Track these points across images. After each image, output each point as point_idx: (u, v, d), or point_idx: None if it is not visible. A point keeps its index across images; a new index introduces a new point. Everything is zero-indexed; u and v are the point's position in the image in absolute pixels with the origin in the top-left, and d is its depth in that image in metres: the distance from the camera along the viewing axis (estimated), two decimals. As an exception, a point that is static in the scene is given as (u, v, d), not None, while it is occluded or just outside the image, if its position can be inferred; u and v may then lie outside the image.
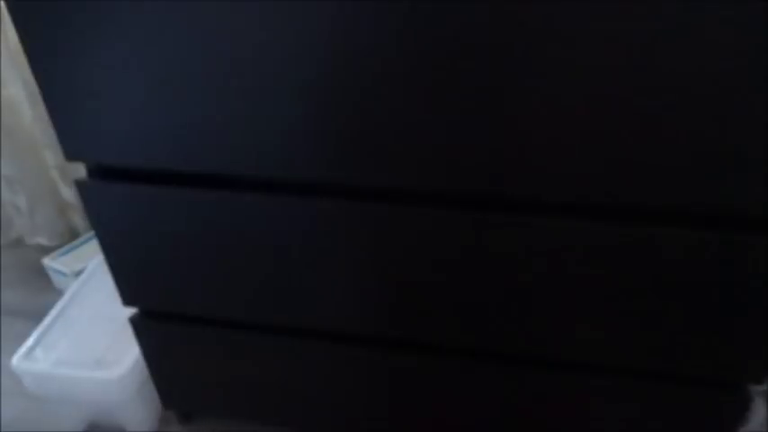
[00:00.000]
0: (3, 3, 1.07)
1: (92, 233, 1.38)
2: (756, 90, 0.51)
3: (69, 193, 1.39)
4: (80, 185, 0.72)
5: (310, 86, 0.59)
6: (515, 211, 0.63)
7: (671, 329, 0.67)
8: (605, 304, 0.67)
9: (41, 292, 1.35)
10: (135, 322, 0.88)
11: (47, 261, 1.33)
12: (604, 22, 0.50)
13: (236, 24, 0.56)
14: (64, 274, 1.29)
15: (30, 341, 0.97)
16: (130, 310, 0.88)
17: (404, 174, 0.62)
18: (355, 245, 0.70)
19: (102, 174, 0.72)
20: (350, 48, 0.56)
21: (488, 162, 0.60)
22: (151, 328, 0.88)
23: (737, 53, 0.49)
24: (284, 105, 0.60)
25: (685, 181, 0.57)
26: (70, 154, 0.70)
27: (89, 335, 1.07)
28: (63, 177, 1.37)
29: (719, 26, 0.48)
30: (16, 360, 0.94)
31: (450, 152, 0.60)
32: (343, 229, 0.69)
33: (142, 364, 0.94)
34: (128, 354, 0.95)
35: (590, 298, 0.67)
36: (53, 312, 1.04)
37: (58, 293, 1.30)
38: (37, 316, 1.10)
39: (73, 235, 1.45)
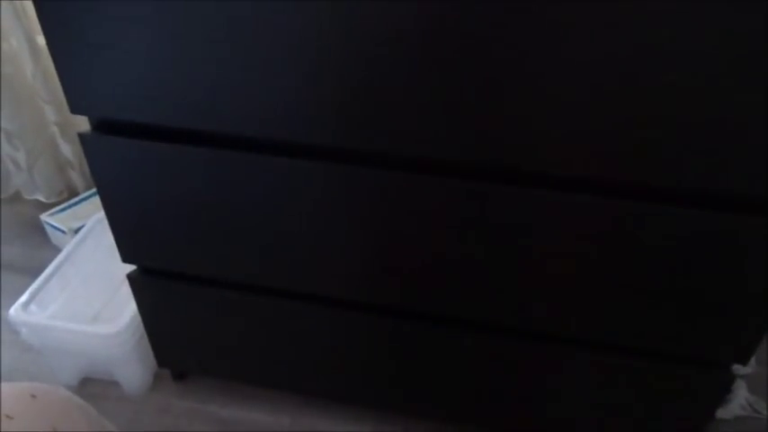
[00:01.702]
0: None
1: (90, 191, 1.38)
2: (759, 73, 0.51)
3: (69, 151, 1.39)
4: (83, 138, 0.72)
5: (321, 50, 0.59)
6: (516, 183, 0.64)
7: (658, 307, 0.68)
8: (598, 280, 0.68)
9: (38, 248, 1.35)
10: (133, 279, 0.88)
11: (45, 217, 1.33)
12: (617, 4, 0.50)
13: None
14: (62, 231, 1.29)
15: (26, 295, 0.98)
16: (127, 270, 0.89)
17: (409, 141, 0.63)
18: (358, 211, 0.71)
19: (105, 128, 0.72)
20: (363, 14, 0.55)
21: (494, 134, 0.60)
22: (149, 286, 0.89)
23: (741, 37, 0.50)
24: (292, 67, 0.60)
25: (684, 161, 0.58)
26: (75, 107, 0.70)
27: (85, 292, 1.09)
28: (63, 134, 1.37)
29: (726, 10, 0.49)
30: (14, 310, 0.95)
31: (459, 123, 0.60)
32: (346, 194, 0.69)
33: (138, 321, 0.95)
34: (124, 311, 0.96)
35: (582, 273, 0.68)
36: (50, 268, 1.05)
37: (55, 249, 1.31)
38: (33, 271, 1.11)
39: (71, 192, 1.46)
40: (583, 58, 0.54)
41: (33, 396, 0.40)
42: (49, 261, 1.07)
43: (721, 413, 0.97)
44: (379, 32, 0.56)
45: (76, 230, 1.25)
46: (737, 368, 0.76)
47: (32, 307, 0.98)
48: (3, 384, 0.41)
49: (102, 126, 0.73)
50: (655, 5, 0.50)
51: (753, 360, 1.01)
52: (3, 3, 1.19)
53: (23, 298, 0.98)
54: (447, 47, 0.56)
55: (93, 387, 1.06)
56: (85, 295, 1.08)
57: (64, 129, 1.36)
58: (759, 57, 0.50)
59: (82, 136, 0.72)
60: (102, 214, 1.14)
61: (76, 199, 1.37)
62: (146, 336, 0.96)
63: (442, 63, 0.57)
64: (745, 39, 0.50)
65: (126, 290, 0.92)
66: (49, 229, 1.34)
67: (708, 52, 0.51)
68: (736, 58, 0.51)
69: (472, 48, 0.55)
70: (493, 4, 0.52)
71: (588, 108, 0.56)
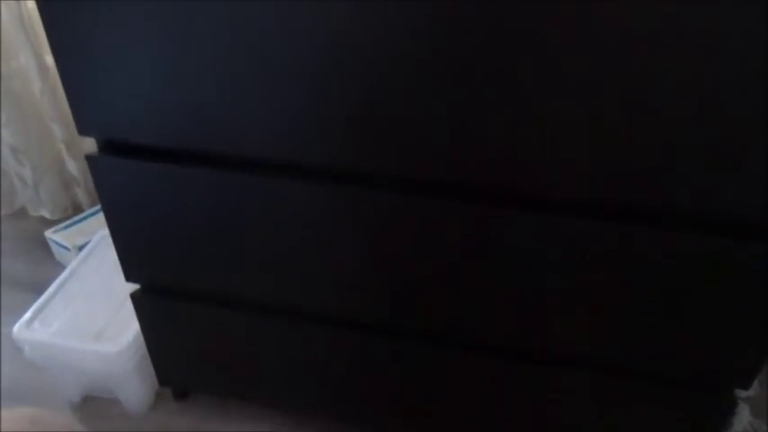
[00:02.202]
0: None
1: (95, 209, 1.39)
2: (759, 96, 0.52)
3: (75, 168, 1.40)
4: (90, 159, 0.73)
5: (323, 72, 0.59)
6: (516, 205, 0.64)
7: (662, 331, 0.68)
8: (599, 304, 0.68)
9: (42, 264, 1.36)
10: (136, 298, 0.89)
11: (49, 234, 1.34)
12: (617, 28, 0.51)
13: (251, 8, 0.57)
14: (66, 248, 1.30)
15: (29, 313, 0.99)
16: (130, 287, 0.89)
17: (409, 164, 0.63)
18: (358, 231, 0.71)
19: (112, 149, 0.73)
20: (364, 36, 0.56)
21: (495, 157, 0.61)
22: (151, 305, 0.89)
23: (741, 61, 0.50)
24: (295, 90, 0.61)
25: (684, 185, 0.58)
26: (83, 129, 0.71)
27: (89, 309, 1.09)
28: (69, 151, 1.38)
29: (726, 34, 0.49)
30: (18, 328, 0.95)
31: (462, 145, 0.61)
32: (347, 214, 0.70)
33: (141, 340, 0.95)
34: (127, 329, 0.96)
35: (585, 296, 0.68)
36: (54, 286, 1.05)
37: (59, 266, 1.32)
38: (36, 287, 1.12)
39: (76, 209, 1.47)
40: (583, 82, 0.54)
41: (33, 422, 0.40)
42: (53, 277, 1.08)
43: (725, 437, 0.96)
44: (380, 56, 0.57)
45: (80, 247, 1.26)
46: (741, 391, 0.76)
47: (36, 324, 0.98)
48: (3, 411, 0.41)
49: (109, 147, 0.73)
50: (655, 29, 0.50)
51: (755, 383, 1.00)
52: (13, 22, 1.21)
53: (27, 315, 0.98)
54: (448, 71, 0.56)
55: (94, 405, 1.06)
56: (89, 312, 1.08)
57: (70, 146, 1.37)
58: (760, 79, 0.51)
59: (89, 157, 0.73)
60: (106, 231, 1.15)
61: (81, 216, 1.38)
62: (147, 354, 0.96)
63: (443, 86, 0.58)
64: (747, 61, 0.50)
65: (129, 307, 0.92)
66: (53, 246, 1.35)
67: (708, 75, 0.52)
68: (738, 81, 0.51)
69: (473, 72, 0.56)
70: (494, 29, 0.53)
71: (588, 132, 0.57)
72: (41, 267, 1.35)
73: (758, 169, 0.55)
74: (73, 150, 1.38)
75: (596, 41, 0.52)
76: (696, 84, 0.52)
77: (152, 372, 0.99)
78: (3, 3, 1.18)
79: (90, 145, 0.75)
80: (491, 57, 0.55)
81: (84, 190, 1.44)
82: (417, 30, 0.55)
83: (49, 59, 1.27)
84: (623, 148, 0.57)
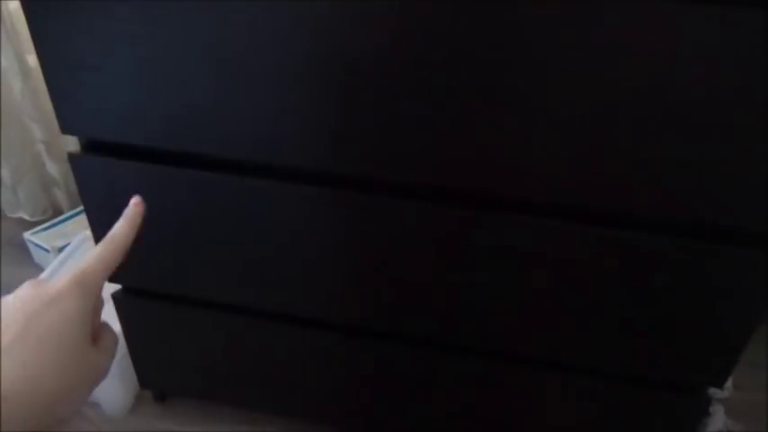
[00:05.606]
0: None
1: (75, 211, 1.38)
2: (753, 105, 0.53)
3: (55, 169, 1.39)
4: (73, 158, 0.73)
5: (306, 76, 0.60)
6: (499, 209, 0.65)
7: (635, 332, 0.70)
8: (575, 305, 0.70)
9: (20, 266, 1.34)
10: (117, 299, 0.88)
11: (28, 235, 1.32)
12: (603, 33, 0.52)
13: (238, 11, 0.58)
14: (45, 250, 1.28)
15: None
16: (112, 288, 0.88)
17: (393, 166, 0.64)
18: (341, 235, 0.72)
19: (95, 148, 0.73)
20: (348, 42, 0.57)
21: (478, 161, 0.62)
22: (133, 306, 0.89)
23: (734, 69, 0.51)
24: (279, 93, 0.62)
25: (661, 190, 0.60)
26: (66, 127, 0.70)
27: (68, 311, 1.08)
28: (49, 152, 1.37)
29: (718, 43, 0.51)
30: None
31: (441, 148, 0.62)
32: (330, 218, 0.70)
33: (121, 342, 0.95)
34: (107, 331, 0.95)
35: (561, 298, 0.70)
36: (33, 286, 1.04)
37: (38, 268, 1.30)
38: (14, 289, 1.10)
39: (56, 211, 1.45)
40: (571, 87, 0.55)
41: None
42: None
43: (700, 437, 0.98)
44: (363, 60, 0.58)
45: (60, 249, 1.24)
46: (716, 392, 0.78)
47: (13, 326, 0.97)
48: None
49: (92, 146, 0.73)
50: (646, 39, 0.52)
51: (730, 384, 1.02)
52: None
53: (5, 317, 0.96)
54: (431, 75, 0.57)
55: (72, 408, 1.05)
56: (68, 315, 1.07)
57: (50, 147, 1.36)
58: (752, 85, 0.52)
59: (71, 156, 0.73)
60: (86, 233, 1.14)
61: (61, 217, 1.36)
62: (128, 356, 0.96)
63: (426, 88, 0.58)
64: (742, 64, 0.51)
65: (109, 309, 0.91)
66: (32, 248, 1.33)
67: (700, 82, 0.53)
68: (729, 87, 0.52)
69: (456, 74, 0.57)
70: (474, 31, 0.54)
71: (574, 135, 0.58)
72: (19, 270, 1.33)
73: (730, 177, 0.57)
74: (53, 151, 1.37)
75: (585, 51, 0.53)
76: (688, 92, 0.53)
77: (132, 374, 0.98)
78: (-16, 2, 1.17)
79: (71, 145, 0.75)
80: (474, 61, 0.56)
81: (64, 192, 1.43)
82: (400, 35, 0.56)
83: (31, 60, 1.26)
84: (607, 151, 0.58)
